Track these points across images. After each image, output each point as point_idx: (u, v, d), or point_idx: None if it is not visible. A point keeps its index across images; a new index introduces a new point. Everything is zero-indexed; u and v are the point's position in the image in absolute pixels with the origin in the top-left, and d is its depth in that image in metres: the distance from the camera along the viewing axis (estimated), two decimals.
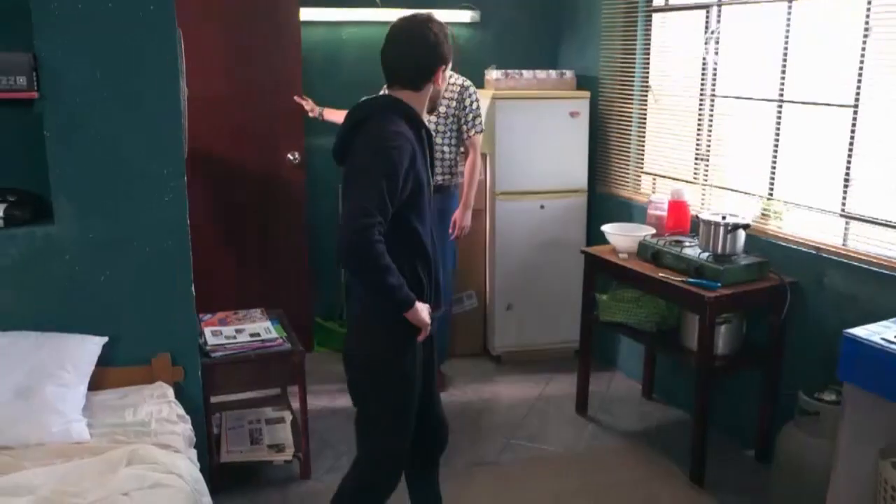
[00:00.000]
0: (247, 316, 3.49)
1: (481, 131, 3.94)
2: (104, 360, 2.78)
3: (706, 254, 3.25)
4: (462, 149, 3.99)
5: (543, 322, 4.47)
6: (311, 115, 4.21)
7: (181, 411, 2.75)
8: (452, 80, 3.89)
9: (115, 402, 2.75)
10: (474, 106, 3.90)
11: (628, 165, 4.25)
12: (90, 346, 2.74)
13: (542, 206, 4.38)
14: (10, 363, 2.59)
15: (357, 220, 2.06)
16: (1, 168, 2.82)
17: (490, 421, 3.85)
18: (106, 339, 2.78)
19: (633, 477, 3.32)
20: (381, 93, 2.37)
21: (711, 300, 3.05)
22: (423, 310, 2.25)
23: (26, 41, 2.59)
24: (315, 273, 4.59)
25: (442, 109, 3.84)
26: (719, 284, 3.10)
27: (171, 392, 2.82)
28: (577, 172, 4.40)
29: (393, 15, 4.40)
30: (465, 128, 3.89)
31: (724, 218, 3.25)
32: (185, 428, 2.69)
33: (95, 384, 2.76)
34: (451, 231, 3.97)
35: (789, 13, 3.29)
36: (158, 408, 2.71)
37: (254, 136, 4.27)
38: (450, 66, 2.39)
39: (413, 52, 2.29)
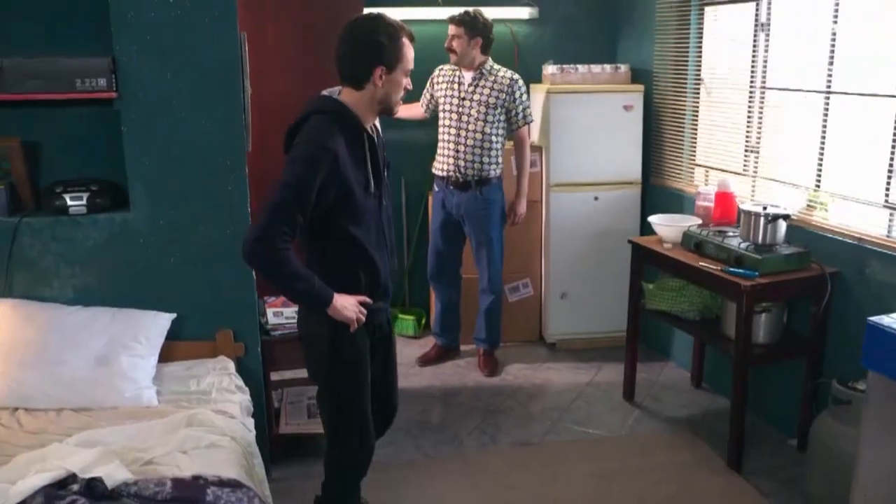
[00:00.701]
0: None
1: (531, 122, 4.14)
2: (173, 335, 3.08)
3: (746, 243, 3.30)
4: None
5: (597, 311, 4.57)
6: None
7: (240, 383, 3.01)
8: (501, 74, 4.07)
9: (182, 373, 3.03)
10: (524, 98, 4.09)
11: (681, 158, 4.30)
12: (161, 322, 3.04)
13: (595, 198, 4.48)
14: (91, 335, 2.91)
15: (262, 229, 2.16)
16: (86, 160, 3.14)
17: (539, 405, 3.99)
18: (174, 315, 3.06)
19: (671, 461, 3.40)
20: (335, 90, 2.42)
21: (748, 289, 3.11)
22: (344, 306, 2.31)
23: (105, 47, 2.89)
24: None
25: (492, 101, 4.02)
26: (757, 274, 3.15)
27: (231, 366, 3.08)
28: (630, 165, 4.47)
29: (454, 13, 4.61)
30: (514, 118, 4.08)
31: (764, 208, 3.29)
32: (243, 398, 2.95)
33: (165, 356, 3.06)
34: (509, 219, 4.21)
35: (836, 4, 3.29)
36: (219, 379, 2.98)
37: None
38: (401, 69, 2.32)
39: (350, 51, 2.29)
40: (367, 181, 2.34)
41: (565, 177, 4.47)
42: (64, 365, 2.82)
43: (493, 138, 4.06)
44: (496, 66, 4.11)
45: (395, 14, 4.58)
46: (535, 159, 4.52)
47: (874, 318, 2.45)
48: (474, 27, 3.99)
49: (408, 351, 4.54)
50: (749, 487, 3.19)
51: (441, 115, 4.16)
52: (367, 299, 2.40)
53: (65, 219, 2.98)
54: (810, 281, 3.22)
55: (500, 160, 4.14)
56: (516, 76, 4.08)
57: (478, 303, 4.38)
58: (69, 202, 2.97)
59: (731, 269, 3.23)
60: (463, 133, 4.05)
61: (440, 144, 4.17)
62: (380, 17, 2.33)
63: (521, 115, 4.09)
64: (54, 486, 2.16)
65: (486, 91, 4.03)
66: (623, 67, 4.49)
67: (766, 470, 3.33)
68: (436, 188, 4.27)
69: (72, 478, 2.20)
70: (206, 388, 2.93)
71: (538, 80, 4.68)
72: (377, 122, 2.46)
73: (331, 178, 2.21)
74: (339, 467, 2.64)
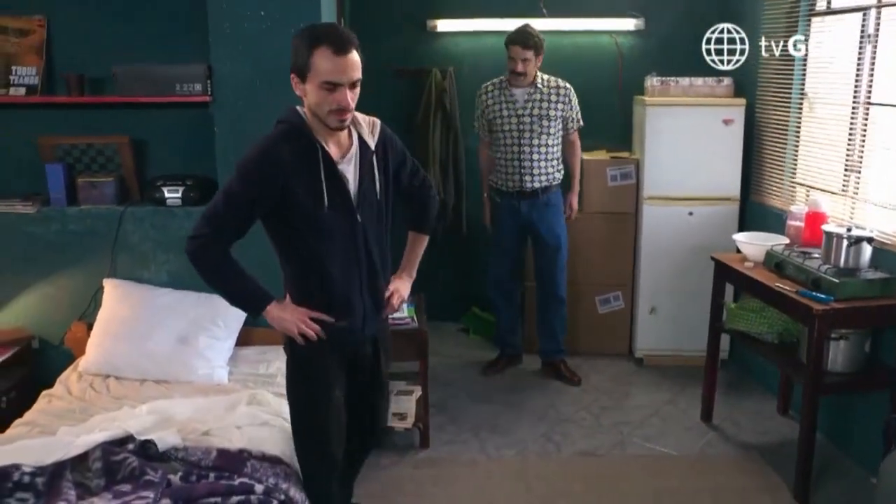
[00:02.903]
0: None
1: (581, 125, 4.25)
2: (253, 321, 3.32)
3: (827, 266, 3.14)
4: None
5: (687, 328, 4.45)
6: None
7: None
8: (554, 84, 4.09)
9: (255, 357, 3.29)
10: (576, 102, 4.17)
11: (782, 175, 4.12)
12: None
13: (690, 213, 4.38)
14: (177, 315, 3.22)
15: (193, 230, 2.20)
16: (183, 157, 3.47)
17: (612, 418, 3.95)
18: None
19: (733, 485, 3.29)
20: None
21: (820, 313, 2.97)
22: (283, 317, 2.26)
23: (201, 55, 3.19)
24: (472, 267, 4.93)
25: (552, 113, 4.06)
26: (832, 298, 3.00)
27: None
28: (728, 180, 4.33)
29: (558, 24, 4.65)
30: (570, 125, 4.17)
31: (848, 230, 3.13)
32: None
33: (244, 340, 3.33)
34: (567, 214, 4.29)
35: None
36: None
37: None
38: (312, 80, 2.11)
39: None
40: (320, 195, 2.19)
41: (660, 190, 4.39)
42: (150, 341, 3.14)
43: (556, 148, 4.14)
44: (544, 76, 4.10)
45: (495, 25, 4.80)
46: (629, 171, 4.48)
47: None
48: (540, 46, 4.00)
49: (493, 356, 4.62)
50: None
51: (500, 134, 4.13)
52: (325, 316, 2.28)
53: (162, 209, 3.32)
54: (894, 309, 3.03)
55: (562, 165, 4.22)
56: (567, 84, 4.12)
57: (534, 312, 4.47)
58: (166, 194, 3.31)
59: (806, 291, 3.09)
60: (527, 149, 4.07)
61: (502, 161, 4.16)
62: (309, 25, 2.18)
63: (575, 121, 4.17)
64: (113, 443, 2.44)
65: (546, 104, 4.05)
66: (726, 80, 4.36)
67: None
68: (496, 198, 4.30)
69: (130, 438, 2.47)
70: (273, 372, 3.16)
71: (641, 92, 4.63)
72: (369, 139, 2.28)
73: (267, 188, 2.14)
74: (303, 475, 2.54)
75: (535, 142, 4.07)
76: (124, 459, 2.36)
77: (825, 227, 3.21)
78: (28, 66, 3.38)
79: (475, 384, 4.33)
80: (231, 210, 2.17)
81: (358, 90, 2.16)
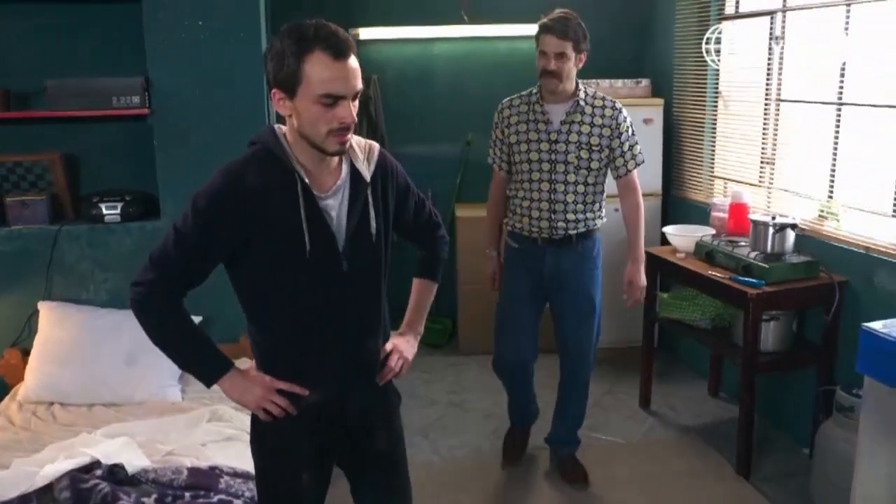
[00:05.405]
0: None
1: (642, 163, 3.16)
2: None
3: (755, 253, 3.35)
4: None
5: (618, 321, 4.60)
6: None
7: None
8: (600, 102, 3.07)
9: None
10: (631, 132, 3.10)
11: (701, 170, 4.36)
12: None
13: (616, 210, 4.53)
14: (123, 336, 3.11)
15: (138, 275, 1.80)
16: (120, 172, 3.37)
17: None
18: (201, 318, 3.24)
19: (680, 468, 3.45)
20: None
21: (754, 297, 3.17)
22: (244, 389, 1.83)
23: (139, 67, 3.11)
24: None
25: (595, 142, 3.02)
26: (763, 282, 3.20)
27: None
28: (651, 177, 4.51)
29: (479, 31, 4.72)
30: (619, 161, 3.08)
31: (773, 218, 3.34)
32: None
33: None
34: (625, 294, 3.30)
35: (848, 15, 3.35)
36: None
37: None
38: (305, 94, 1.65)
39: None
40: (299, 237, 1.74)
41: None
42: (95, 363, 3.03)
43: (598, 187, 3.10)
44: (589, 91, 3.10)
45: (414, 32, 4.87)
46: None
47: (867, 325, 2.50)
48: (581, 40, 2.97)
49: (432, 360, 4.66)
50: (756, 494, 3.23)
51: (525, 165, 3.08)
52: (297, 388, 1.84)
53: (100, 227, 3.21)
54: (819, 290, 3.26)
55: (604, 207, 3.20)
56: (619, 104, 3.10)
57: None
58: (104, 211, 3.20)
59: (739, 277, 3.29)
60: (560, 187, 3.04)
61: (525, 201, 3.11)
62: (291, 24, 1.69)
63: (628, 157, 3.08)
64: (80, 470, 2.35)
65: (588, 128, 3.01)
66: (644, 81, 4.57)
67: (777, 478, 3.36)
68: (513, 244, 3.22)
69: (96, 464, 2.39)
70: None
71: None
72: (364, 168, 1.82)
73: (227, 228, 1.73)
74: None
75: (572, 178, 3.03)
76: (94, 486, 2.27)
77: (752, 217, 3.43)
78: None
79: (416, 387, 4.36)
80: (182, 253, 1.74)
81: (357, 105, 1.73)
